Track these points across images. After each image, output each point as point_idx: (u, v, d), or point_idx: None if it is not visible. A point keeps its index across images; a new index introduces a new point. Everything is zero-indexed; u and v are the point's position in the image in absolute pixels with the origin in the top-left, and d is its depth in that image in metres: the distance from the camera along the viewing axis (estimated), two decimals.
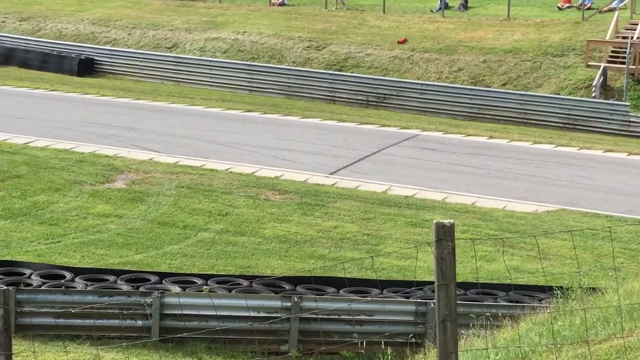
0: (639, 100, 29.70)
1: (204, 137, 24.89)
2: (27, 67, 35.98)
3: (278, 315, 12.62)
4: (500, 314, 10.86)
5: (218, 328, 12.24)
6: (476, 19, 35.84)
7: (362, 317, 12.88)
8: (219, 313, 12.44)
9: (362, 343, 11.86)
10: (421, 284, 14.09)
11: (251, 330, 12.48)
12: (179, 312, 12.63)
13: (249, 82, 33.43)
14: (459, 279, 12.22)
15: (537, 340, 7.87)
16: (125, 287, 13.58)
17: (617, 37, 31.60)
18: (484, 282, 14.66)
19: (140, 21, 38.87)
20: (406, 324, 12.81)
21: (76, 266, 14.86)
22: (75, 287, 13.51)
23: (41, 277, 13.83)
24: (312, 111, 29.64)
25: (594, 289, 10.80)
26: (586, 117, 28.87)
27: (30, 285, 13.52)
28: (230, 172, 21.60)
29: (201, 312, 12.72)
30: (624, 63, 30.03)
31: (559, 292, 10.28)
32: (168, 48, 36.69)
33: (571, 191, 21.30)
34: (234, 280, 14.24)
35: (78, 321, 12.74)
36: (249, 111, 29.05)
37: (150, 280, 14.01)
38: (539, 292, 13.69)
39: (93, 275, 14.11)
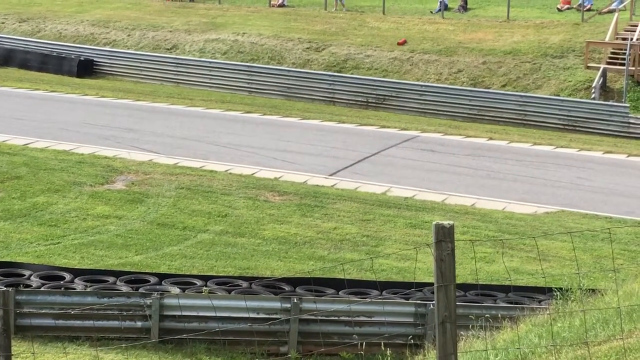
0: (638, 101, 29.70)
1: (204, 139, 24.89)
2: (27, 68, 35.98)
3: (277, 316, 12.62)
4: (499, 316, 10.87)
5: (217, 329, 12.24)
6: (476, 21, 35.84)
7: (362, 318, 12.88)
8: (218, 314, 12.44)
9: (361, 344, 11.85)
10: (421, 286, 14.10)
11: (251, 332, 12.48)
12: (179, 313, 12.64)
13: (248, 83, 33.43)
14: (459, 281, 12.23)
15: (536, 341, 7.87)
16: (124, 288, 13.58)
17: (617, 38, 31.60)
18: (484, 283, 14.66)
19: (140, 22, 38.87)
20: (406, 325, 12.81)
21: (75, 267, 14.86)
22: (74, 288, 13.50)
23: (40, 278, 13.83)
24: (311, 112, 29.64)
25: (593, 290, 10.80)
26: (586, 118, 28.88)
27: (30, 286, 13.51)
28: (230, 173, 21.60)
29: (201, 314, 12.72)
30: (623, 64, 30.03)
31: (558, 293, 10.28)
32: (168, 49, 36.69)
33: (571, 192, 21.30)
34: (234, 282, 14.24)
35: (77, 322, 12.74)
36: (248, 112, 29.05)
37: (149, 281, 14.01)
38: (539, 293, 13.69)
39: (92, 276, 14.11)
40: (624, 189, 21.76)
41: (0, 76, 33.48)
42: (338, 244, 17.39)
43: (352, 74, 33.02)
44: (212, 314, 12.53)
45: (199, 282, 14.04)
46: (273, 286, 14.06)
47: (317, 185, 20.95)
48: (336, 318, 12.89)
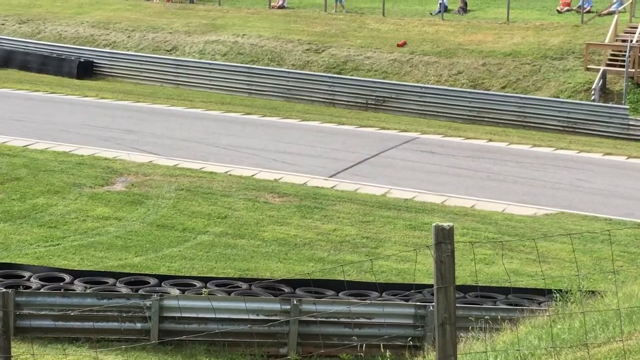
0: (638, 103, 29.70)
1: (204, 140, 24.90)
2: (27, 70, 36.00)
3: (277, 318, 12.62)
4: (499, 317, 10.87)
5: (217, 331, 12.24)
6: (475, 22, 35.85)
7: (361, 320, 12.88)
8: (218, 316, 12.44)
9: (361, 346, 11.85)
10: (420, 287, 14.09)
11: (250, 333, 12.48)
12: (178, 314, 12.63)
13: (248, 84, 33.44)
14: (458, 282, 12.23)
15: (536, 343, 7.87)
16: (124, 290, 13.57)
17: (617, 40, 31.61)
18: (483, 285, 14.66)
19: (140, 24, 38.88)
20: (405, 327, 12.81)
21: (75, 269, 14.86)
22: (74, 290, 13.50)
23: (40, 279, 13.82)
24: (311, 114, 29.65)
25: (593, 292, 10.80)
26: (585, 120, 28.89)
27: (30, 287, 13.51)
28: (230, 174, 21.60)
29: (200, 315, 12.72)
30: (623, 66, 30.04)
31: (558, 295, 10.28)
32: (167, 51, 36.70)
33: (570, 194, 21.30)
34: (233, 283, 14.24)
35: (77, 324, 12.73)
36: (248, 114, 29.06)
37: (149, 282, 14.01)
38: (538, 295, 13.70)
39: (92, 277, 14.11)
40: (624, 190, 21.76)
41: (0, 77, 33.48)
42: (338, 245, 17.40)
43: (351, 75, 33.03)
44: (212, 315, 12.53)
45: (198, 284, 14.04)
46: (273, 288, 14.06)
47: (317, 187, 20.95)
48: (336, 319, 12.89)
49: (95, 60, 36.01)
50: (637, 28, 31.65)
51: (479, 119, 30.05)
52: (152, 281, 14.07)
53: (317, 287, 14.16)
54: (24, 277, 13.98)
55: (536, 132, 28.68)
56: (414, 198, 20.51)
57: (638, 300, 8.58)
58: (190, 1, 42.22)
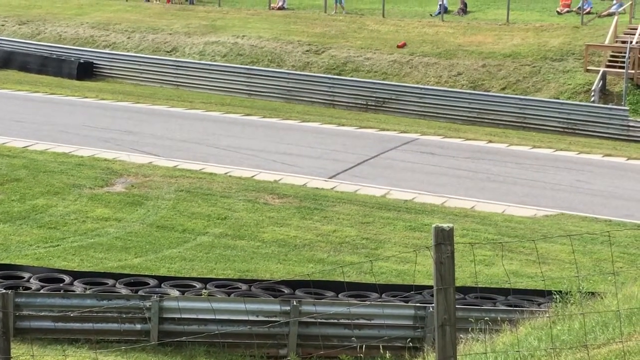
0: (638, 104, 29.71)
1: (203, 141, 24.90)
2: (27, 71, 36.00)
3: (277, 319, 12.61)
4: (499, 319, 10.86)
5: (217, 332, 12.23)
6: (475, 23, 35.86)
7: (361, 321, 12.88)
8: (217, 317, 12.44)
9: (361, 347, 11.84)
10: (420, 288, 14.08)
11: (250, 334, 12.48)
12: (178, 315, 12.63)
13: (248, 86, 33.44)
14: (458, 283, 12.21)
15: (536, 344, 7.87)
16: (124, 291, 13.57)
17: (616, 41, 31.62)
18: (483, 286, 14.66)
19: (140, 25, 38.88)
20: (405, 328, 12.81)
21: (75, 270, 14.86)
22: (74, 291, 13.50)
23: (40, 280, 13.82)
24: (311, 115, 29.66)
25: (592, 293, 10.79)
26: (585, 121, 28.89)
27: (29, 288, 13.51)
28: (230, 175, 21.60)
29: (200, 316, 12.72)
30: (623, 67, 30.04)
31: (558, 296, 10.28)
32: (167, 52, 36.70)
33: (570, 195, 21.30)
34: (233, 284, 14.24)
35: (77, 325, 12.73)
36: (248, 115, 29.06)
37: (149, 283, 14.01)
38: (538, 296, 13.70)
39: (92, 278, 14.11)
40: (623, 192, 21.76)
41: (0, 78, 33.49)
42: (337, 246, 17.39)
43: (351, 76, 33.04)
44: (212, 316, 12.53)
45: (198, 285, 14.04)
46: (272, 289, 14.06)
47: (317, 188, 20.95)
48: (335, 321, 12.89)
49: (95, 61, 36.01)
50: (636, 29, 31.66)
51: (478, 120, 30.05)
52: (152, 282, 14.07)
53: (317, 288, 14.16)
54: (24, 278, 13.98)
55: (536, 134, 28.68)
56: (413, 199, 20.51)
57: (638, 301, 8.57)
58: (190, 2, 42.22)
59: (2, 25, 40.65)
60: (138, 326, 12.68)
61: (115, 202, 19.27)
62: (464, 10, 37.65)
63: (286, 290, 14.05)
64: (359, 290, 14.25)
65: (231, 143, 24.79)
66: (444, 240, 5.31)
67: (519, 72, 31.77)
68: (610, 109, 29.07)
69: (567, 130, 28.96)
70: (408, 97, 31.19)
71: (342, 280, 14.63)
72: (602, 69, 30.43)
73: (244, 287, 14.12)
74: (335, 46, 34.89)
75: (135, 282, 14.07)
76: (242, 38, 36.29)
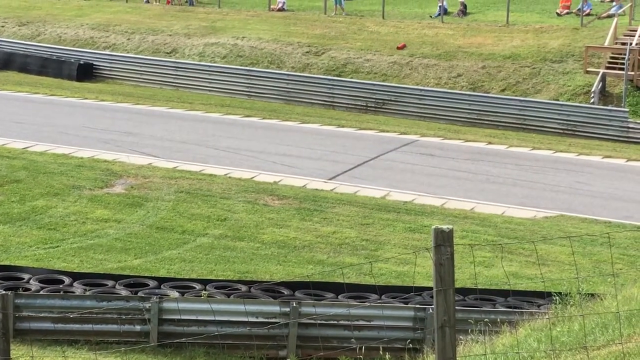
0: (637, 106, 29.72)
1: (203, 142, 24.90)
2: (27, 72, 36.02)
3: (276, 320, 12.61)
4: (499, 320, 10.86)
5: (216, 333, 12.23)
6: (475, 25, 35.87)
7: (361, 322, 12.88)
8: (217, 318, 12.44)
9: (360, 348, 11.84)
10: (420, 290, 14.09)
11: (250, 336, 12.48)
12: (178, 317, 12.63)
13: (248, 87, 33.45)
14: (458, 285, 12.22)
15: (535, 346, 7.87)
16: (123, 292, 13.57)
17: (616, 43, 31.63)
18: (483, 288, 14.66)
19: (140, 26, 38.89)
20: (405, 329, 12.81)
21: (75, 271, 14.87)
22: (73, 292, 13.50)
23: (40, 281, 13.82)
24: (311, 116, 29.66)
25: (592, 295, 10.79)
26: (585, 123, 28.90)
27: (29, 289, 13.51)
28: (229, 177, 21.60)
29: (200, 317, 12.72)
30: (622, 69, 30.05)
31: (557, 298, 10.28)
32: (167, 53, 36.71)
33: (570, 197, 21.30)
34: (233, 286, 14.24)
35: (76, 326, 12.74)
36: (248, 116, 29.06)
37: (148, 285, 14.01)
38: (538, 298, 13.69)
39: (91, 280, 14.11)
40: (623, 193, 21.76)
41: None
42: (337, 248, 17.39)
43: (351, 78, 33.04)
44: (211, 317, 12.53)
45: (198, 286, 14.04)
46: (272, 290, 14.06)
47: (317, 189, 20.95)
48: (335, 322, 12.89)
49: (95, 63, 36.02)
50: (636, 31, 31.66)
51: (478, 121, 30.05)
52: (152, 283, 14.07)
53: (317, 289, 14.17)
54: (24, 279, 13.98)
55: (536, 135, 28.68)
56: (413, 200, 20.51)
57: (637, 303, 8.57)
58: (190, 4, 42.23)
59: (2, 27, 40.66)
60: (138, 327, 12.68)
61: (115, 204, 19.27)
62: (463, 12, 37.66)
63: (286, 292, 14.05)
64: (358, 291, 14.25)
65: (231, 144, 24.80)
66: (443, 241, 5.31)
67: (518, 74, 31.78)
68: (610, 110, 29.08)
69: (566, 131, 28.97)
70: (408, 99, 31.19)
71: (341, 281, 14.63)
72: (601, 71, 30.44)
73: (243, 288, 14.12)
74: (335, 47, 34.90)
75: (135, 283, 14.07)
76: (242, 39, 36.30)
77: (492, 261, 16.86)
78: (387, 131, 27.65)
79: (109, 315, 12.54)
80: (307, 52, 34.95)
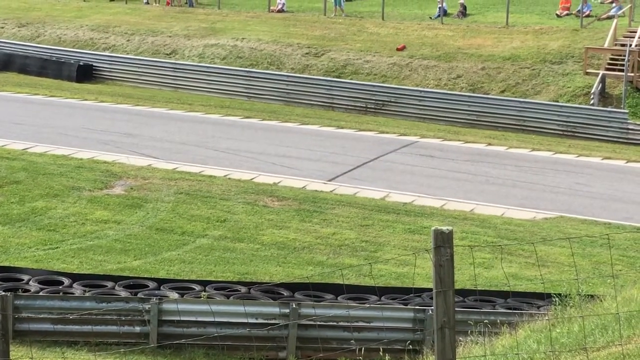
0: (637, 107, 29.71)
1: (203, 144, 24.90)
2: (26, 73, 36.02)
3: (276, 321, 12.61)
4: (498, 321, 10.86)
5: (216, 334, 12.23)
6: (475, 26, 35.87)
7: (360, 324, 12.88)
8: (217, 319, 12.43)
9: (360, 350, 11.85)
10: (419, 291, 14.09)
11: (249, 337, 12.48)
12: (177, 318, 12.63)
13: (247, 88, 33.45)
14: (457, 286, 12.23)
15: (535, 347, 7.87)
16: (123, 293, 13.57)
17: (616, 44, 31.64)
18: (483, 289, 14.66)
19: (139, 27, 38.90)
20: (404, 330, 12.81)
21: (74, 272, 14.86)
22: (73, 293, 13.50)
23: (39, 283, 13.82)
24: (310, 118, 29.66)
25: (592, 296, 10.79)
26: (585, 124, 28.90)
27: (29, 291, 13.51)
28: (229, 178, 21.60)
29: (199, 319, 12.72)
30: (622, 70, 30.05)
31: (557, 299, 10.28)
32: (167, 54, 36.71)
33: (569, 198, 21.30)
34: (232, 287, 14.23)
35: (76, 327, 12.74)
36: (247, 117, 29.07)
37: (148, 286, 14.01)
38: (537, 299, 13.69)
39: (91, 281, 14.11)
40: (623, 194, 21.76)
41: None
42: (337, 249, 17.39)
43: (351, 79, 33.04)
44: (211, 319, 12.53)
45: (197, 287, 14.04)
46: (272, 291, 14.06)
47: (316, 191, 20.95)
48: (335, 323, 12.89)
49: (94, 64, 36.03)
50: (636, 32, 31.67)
51: (478, 122, 30.05)
52: (151, 285, 14.07)
53: (316, 290, 14.16)
54: (23, 280, 13.98)
55: (535, 136, 28.69)
56: (413, 202, 20.51)
57: (637, 304, 8.58)
58: (189, 5, 42.24)
59: (2, 28, 40.66)
60: (137, 329, 12.68)
61: (115, 205, 19.26)
62: (463, 13, 37.66)
63: (285, 293, 14.05)
64: (358, 292, 14.25)
65: (230, 145, 24.80)
66: (443, 242, 5.31)
67: (518, 75, 31.79)
68: (610, 111, 29.08)
69: (566, 133, 28.98)
70: (407, 100, 31.19)
71: (341, 282, 14.63)
72: (601, 72, 30.44)
73: (243, 289, 14.12)
74: (334, 49, 34.90)
75: (135, 284, 14.07)
76: (242, 41, 36.31)
77: (491, 262, 16.86)
78: (387, 132, 27.66)
79: (109, 317, 12.54)
80: (306, 53, 34.96)
